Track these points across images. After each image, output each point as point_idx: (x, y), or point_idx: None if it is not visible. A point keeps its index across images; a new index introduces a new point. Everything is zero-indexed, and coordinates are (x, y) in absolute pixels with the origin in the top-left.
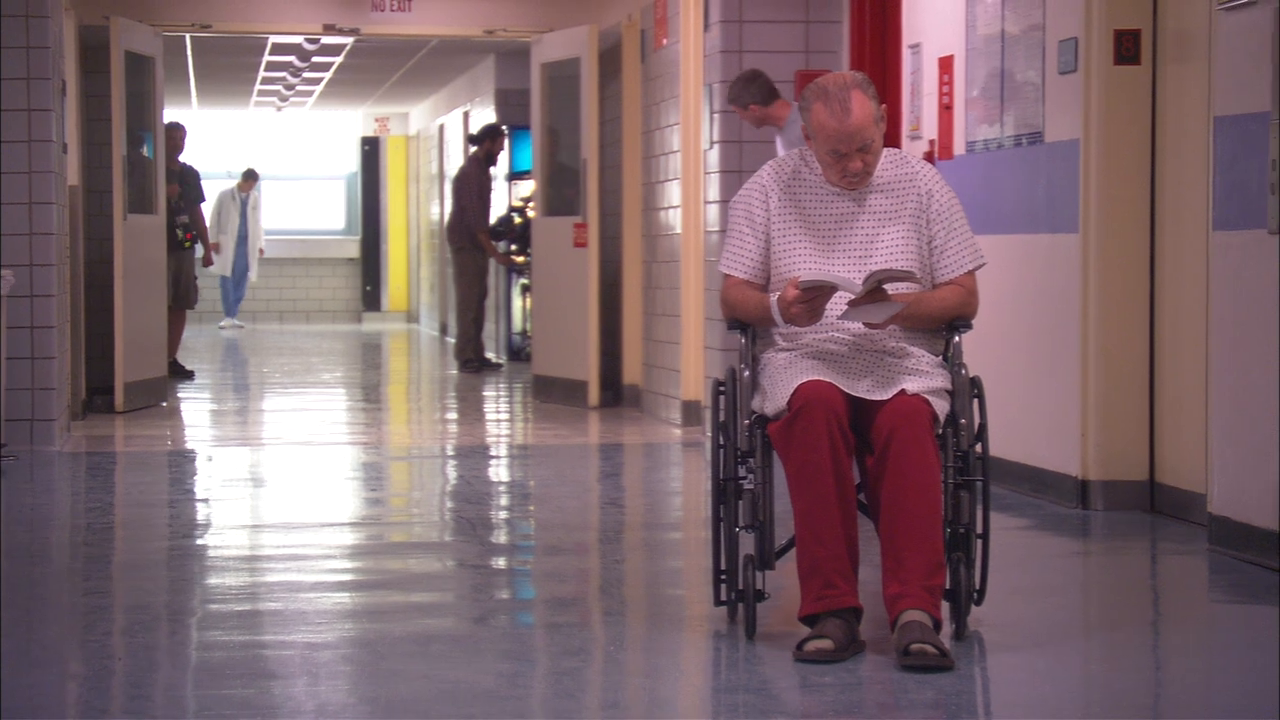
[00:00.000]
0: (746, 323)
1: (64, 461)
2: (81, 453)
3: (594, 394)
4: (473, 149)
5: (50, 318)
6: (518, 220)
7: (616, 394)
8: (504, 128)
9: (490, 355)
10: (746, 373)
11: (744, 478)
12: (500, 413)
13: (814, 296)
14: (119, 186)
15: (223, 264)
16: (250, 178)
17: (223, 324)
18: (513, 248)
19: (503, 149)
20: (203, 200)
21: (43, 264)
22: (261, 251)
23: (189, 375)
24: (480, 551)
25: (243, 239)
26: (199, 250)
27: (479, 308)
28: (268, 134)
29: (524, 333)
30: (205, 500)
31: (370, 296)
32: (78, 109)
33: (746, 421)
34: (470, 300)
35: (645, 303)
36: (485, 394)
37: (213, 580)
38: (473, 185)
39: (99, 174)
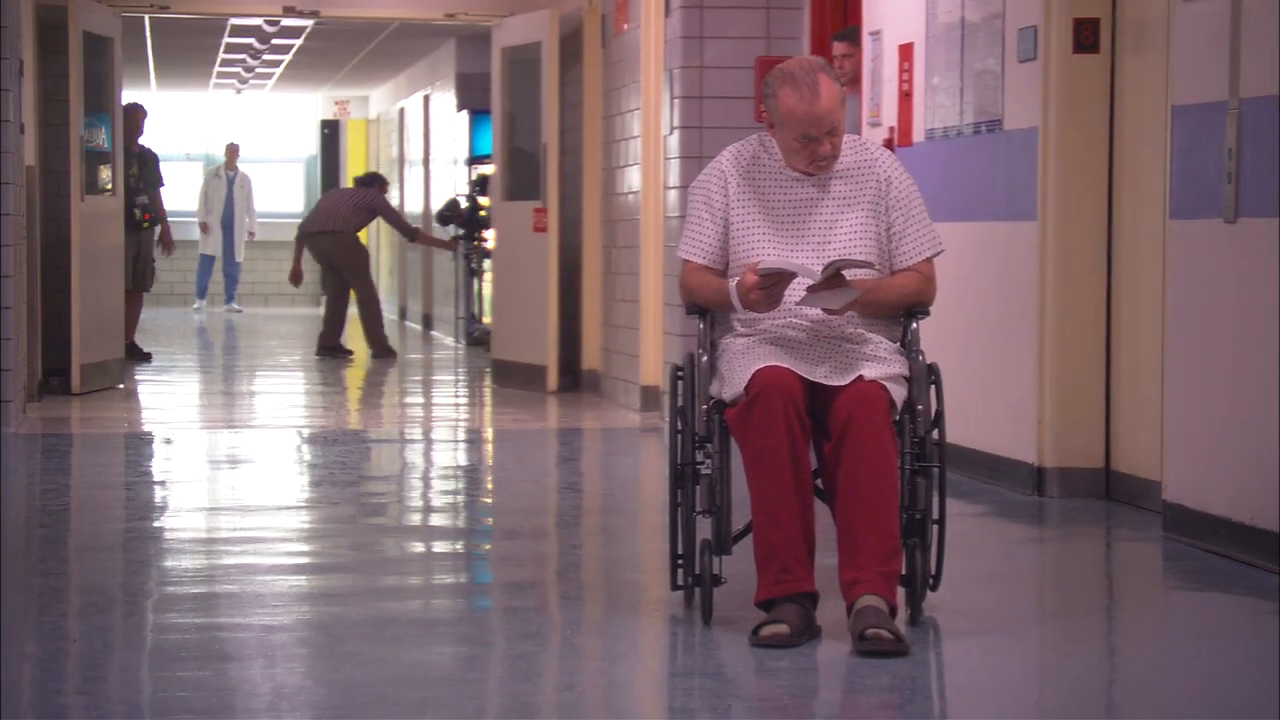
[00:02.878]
0: (705, 308)
1: (20, 443)
2: (37, 434)
3: (553, 379)
4: (365, 189)
5: (6, 299)
6: (464, 205)
7: (575, 379)
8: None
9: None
10: (705, 358)
11: (701, 463)
12: (459, 397)
13: (773, 283)
14: (76, 167)
15: (212, 245)
16: (232, 151)
17: (196, 306)
18: (459, 233)
19: (387, 189)
20: (162, 184)
21: None
22: (252, 235)
23: (146, 357)
24: (437, 535)
25: (230, 219)
26: (158, 233)
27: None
28: (227, 116)
29: (474, 317)
30: (162, 483)
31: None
32: (35, 89)
33: (704, 407)
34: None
35: (605, 288)
36: (443, 378)
37: (169, 562)
38: (390, 211)
39: (56, 155)
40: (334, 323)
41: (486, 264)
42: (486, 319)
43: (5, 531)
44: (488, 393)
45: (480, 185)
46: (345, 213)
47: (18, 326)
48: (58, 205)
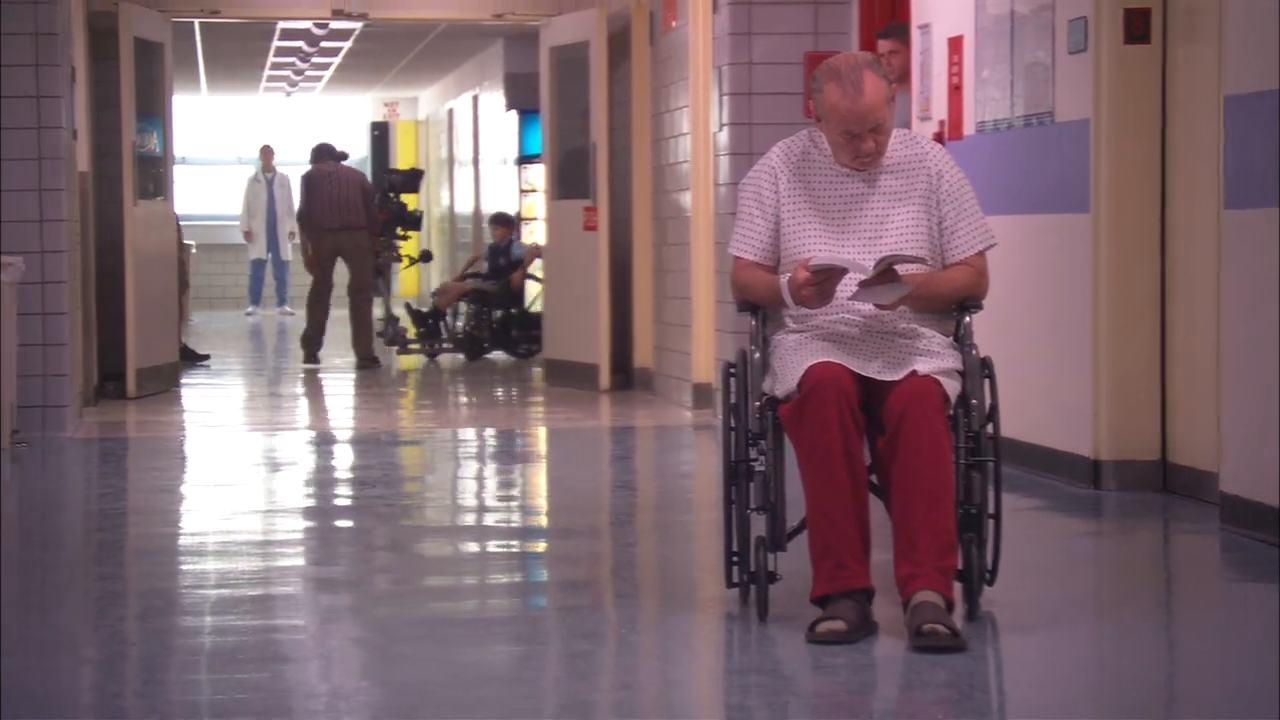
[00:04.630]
0: (757, 304)
1: (76, 448)
2: (94, 439)
3: (605, 377)
4: (350, 168)
5: (61, 304)
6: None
7: (628, 377)
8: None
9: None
10: (757, 355)
11: (755, 459)
12: (511, 397)
13: (825, 278)
14: (129, 173)
15: (258, 249)
16: (267, 154)
17: (249, 310)
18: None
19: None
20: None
21: (53, 250)
22: (292, 235)
23: (204, 359)
24: (491, 534)
25: (273, 222)
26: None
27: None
28: (278, 119)
29: (390, 318)
30: (218, 486)
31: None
32: (86, 95)
33: (757, 404)
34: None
35: (656, 286)
36: (496, 378)
37: (225, 565)
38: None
39: (109, 160)
40: (320, 329)
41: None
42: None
43: (16, 530)
44: (540, 391)
45: (394, 183)
46: (360, 203)
47: (73, 332)
48: (110, 210)
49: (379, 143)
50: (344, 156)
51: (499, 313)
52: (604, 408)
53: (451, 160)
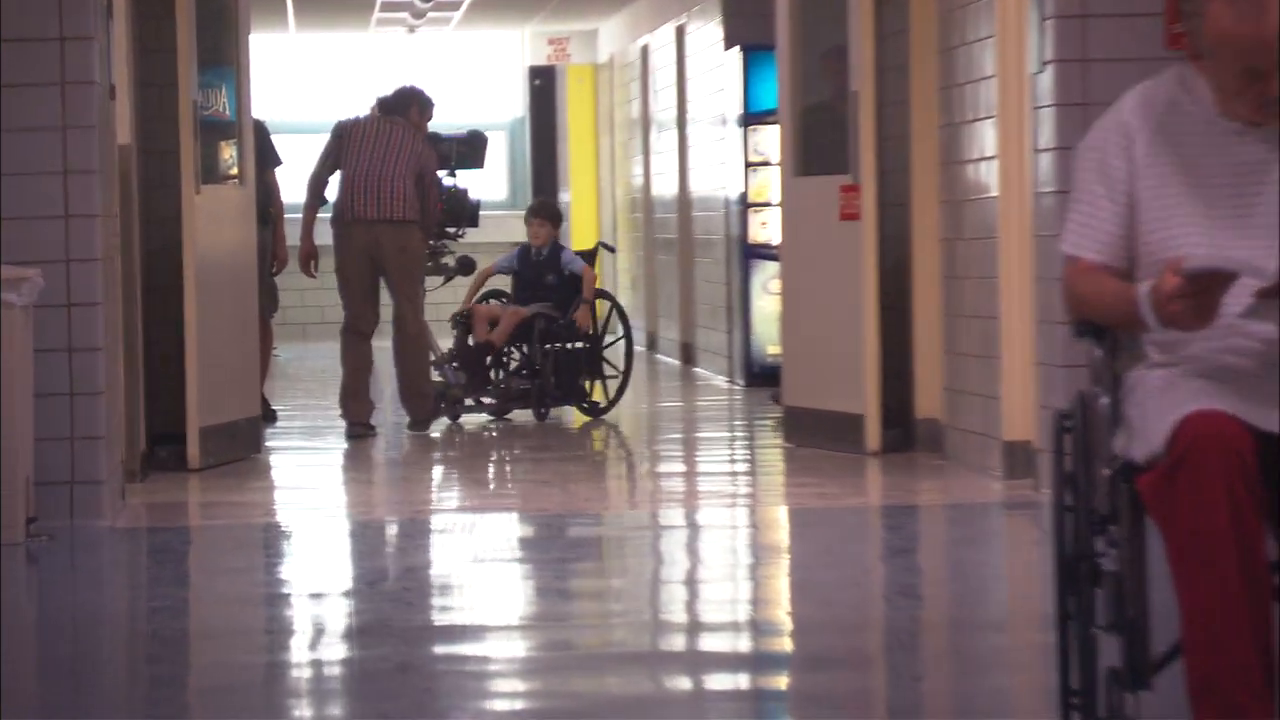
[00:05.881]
0: (1102, 325)
1: (118, 542)
2: (142, 528)
3: (873, 433)
4: (406, 130)
5: (95, 336)
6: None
7: (906, 433)
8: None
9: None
10: (1104, 400)
11: (1103, 554)
12: (738, 461)
13: (1204, 287)
14: (189, 145)
15: None
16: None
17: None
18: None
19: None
20: (277, 164)
21: (83, 259)
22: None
23: (271, 416)
24: (710, 665)
25: None
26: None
27: None
28: (398, 67)
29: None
30: (318, 595)
31: None
32: (129, 36)
33: (1106, 471)
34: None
35: (946, 299)
36: (715, 434)
37: (335, 710)
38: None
39: (160, 129)
40: (364, 377)
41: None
42: (774, 349)
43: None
44: (778, 455)
45: (449, 154)
46: (411, 183)
47: (112, 375)
48: (163, 200)
49: (541, 97)
50: (407, 104)
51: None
52: (872, 477)
53: (646, 121)
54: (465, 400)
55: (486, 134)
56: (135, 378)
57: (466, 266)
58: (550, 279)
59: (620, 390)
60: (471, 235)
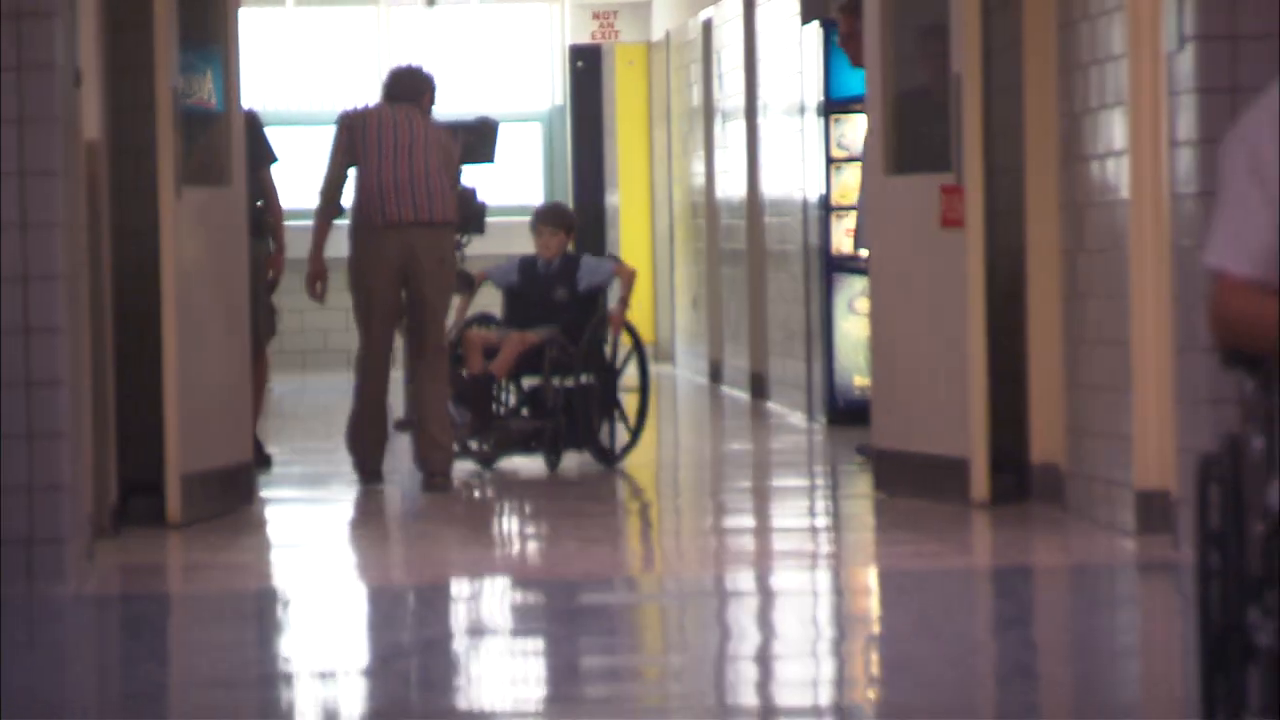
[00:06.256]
0: (1256, 354)
1: (85, 611)
2: (113, 595)
3: (980, 481)
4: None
5: (55, 368)
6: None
7: (1020, 480)
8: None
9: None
10: (1259, 443)
11: (1257, 626)
12: (819, 514)
13: None
14: (168, 141)
15: None
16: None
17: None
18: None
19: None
20: (272, 161)
21: (43, 276)
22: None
23: (265, 461)
24: None
25: None
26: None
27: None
28: (414, 46)
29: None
30: (323, 675)
31: None
32: (98, 13)
33: (1261, 527)
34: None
35: (1067, 322)
36: (791, 482)
37: None
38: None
39: (134, 121)
40: (383, 415)
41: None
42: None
43: None
44: (866, 507)
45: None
46: (442, 180)
47: (76, 415)
48: (138, 206)
49: (584, 82)
50: (420, 90)
51: (564, 381)
52: (979, 534)
53: (709, 110)
54: (469, 444)
55: (497, 121)
56: (105, 416)
57: (465, 283)
58: (560, 295)
59: (636, 433)
60: (479, 244)
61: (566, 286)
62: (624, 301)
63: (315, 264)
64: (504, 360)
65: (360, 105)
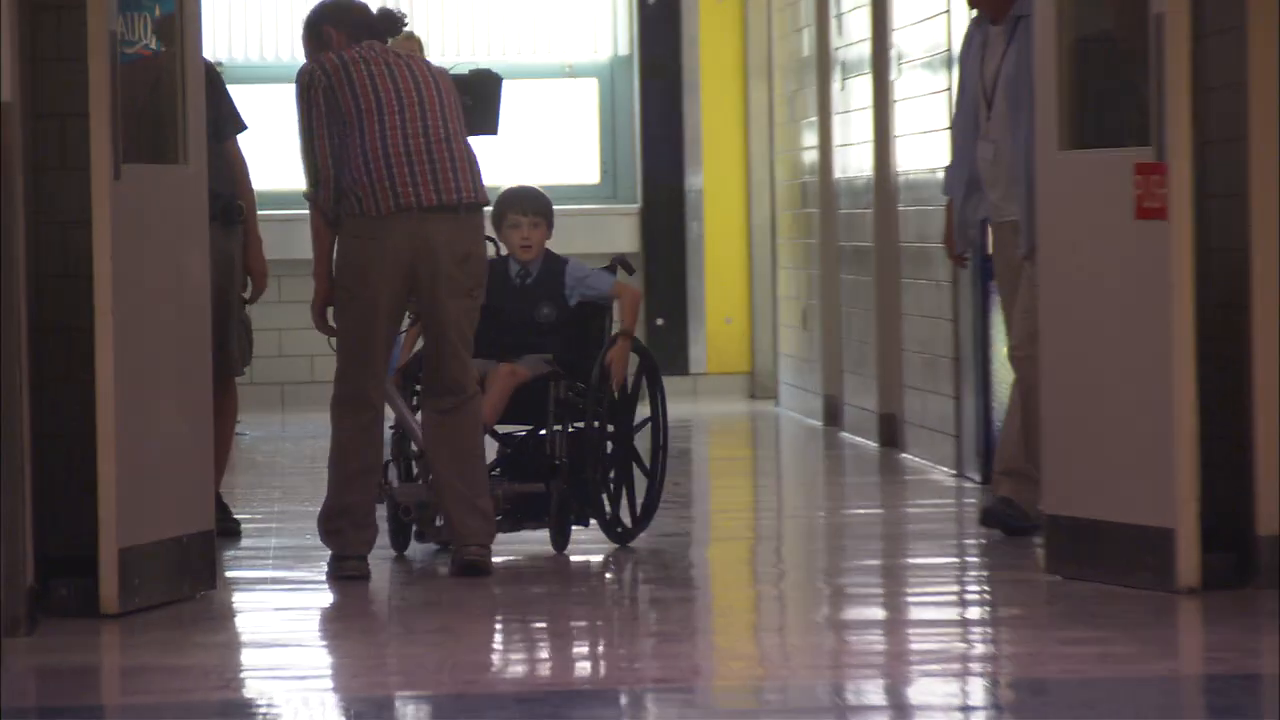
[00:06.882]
0: None
1: None
2: (28, 710)
3: (1190, 559)
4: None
5: None
6: None
7: (1242, 559)
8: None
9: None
10: None
11: None
12: (972, 603)
13: None
14: (103, 104)
15: None
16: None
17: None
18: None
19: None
20: (240, 129)
21: None
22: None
23: (232, 530)
24: None
25: None
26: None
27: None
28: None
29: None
30: None
31: (665, 343)
32: None
33: None
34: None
35: None
36: (935, 559)
37: None
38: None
39: (58, 78)
40: (374, 481)
41: None
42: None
43: None
44: (1036, 593)
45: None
46: (466, 144)
47: None
48: (64, 189)
49: (656, 28)
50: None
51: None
52: (1189, 629)
53: (825, 63)
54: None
55: (500, 75)
56: (16, 475)
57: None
58: (546, 313)
59: (653, 498)
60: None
61: (552, 302)
62: (628, 336)
63: (323, 284)
64: (493, 402)
65: (327, 54)
